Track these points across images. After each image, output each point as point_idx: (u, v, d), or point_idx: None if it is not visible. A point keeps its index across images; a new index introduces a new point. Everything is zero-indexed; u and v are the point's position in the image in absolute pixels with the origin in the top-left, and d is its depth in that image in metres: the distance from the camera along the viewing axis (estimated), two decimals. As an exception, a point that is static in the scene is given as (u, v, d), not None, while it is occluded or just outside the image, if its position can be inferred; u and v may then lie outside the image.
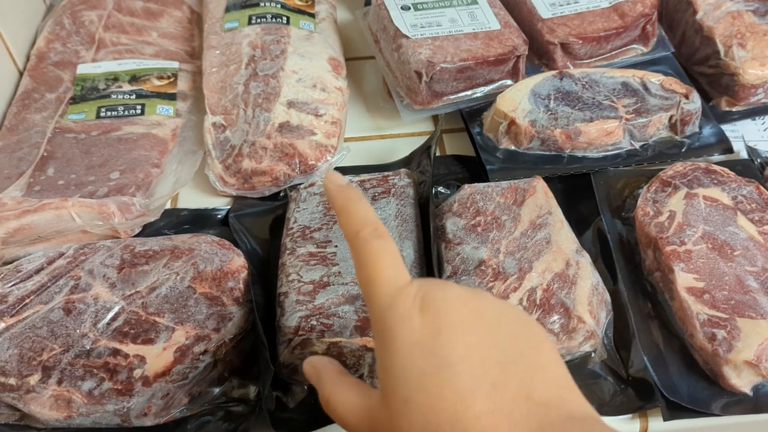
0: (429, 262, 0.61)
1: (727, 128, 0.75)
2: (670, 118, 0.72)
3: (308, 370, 0.46)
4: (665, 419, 0.53)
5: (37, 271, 0.57)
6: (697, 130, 0.73)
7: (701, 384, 0.55)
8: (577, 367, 0.57)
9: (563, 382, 0.37)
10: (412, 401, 0.36)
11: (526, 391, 0.35)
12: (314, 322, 0.55)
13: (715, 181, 0.64)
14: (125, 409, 0.52)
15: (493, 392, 0.35)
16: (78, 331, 0.53)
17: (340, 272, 0.58)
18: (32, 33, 0.86)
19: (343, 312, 0.56)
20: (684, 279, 0.57)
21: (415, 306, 0.38)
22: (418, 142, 0.75)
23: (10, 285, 0.56)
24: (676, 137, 0.73)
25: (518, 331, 0.38)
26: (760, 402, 0.54)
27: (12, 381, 0.51)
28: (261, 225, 0.68)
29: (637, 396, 0.55)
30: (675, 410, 0.53)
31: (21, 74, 0.81)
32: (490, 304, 0.39)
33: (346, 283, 0.57)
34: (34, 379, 0.52)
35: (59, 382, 0.52)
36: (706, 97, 0.79)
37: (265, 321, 0.57)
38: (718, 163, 0.68)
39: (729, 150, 0.72)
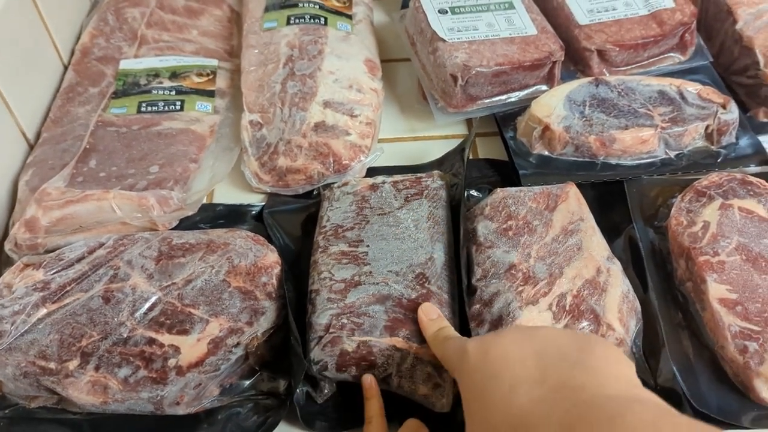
0: (459, 264, 0.61)
1: (764, 139, 0.74)
2: (707, 127, 0.71)
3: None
4: (693, 430, 0.53)
5: (79, 260, 0.59)
6: (733, 140, 0.72)
7: (731, 396, 0.55)
8: (605, 375, 0.57)
9: (610, 376, 0.40)
10: (473, 412, 0.44)
11: (564, 380, 0.40)
12: (345, 321, 0.56)
13: (752, 193, 0.64)
14: (159, 397, 0.53)
15: (532, 387, 0.40)
16: (116, 319, 0.55)
17: (371, 272, 0.59)
18: (77, 28, 0.88)
19: (373, 311, 0.56)
20: (716, 290, 0.57)
21: (471, 344, 0.46)
22: (451, 145, 0.76)
23: (52, 272, 0.58)
24: (712, 147, 0.72)
25: (568, 343, 0.43)
26: (791, 417, 0.53)
27: (52, 365, 0.53)
28: (294, 222, 0.69)
29: (665, 405, 0.55)
30: (703, 421, 0.53)
31: (66, 68, 0.83)
32: (542, 329, 0.46)
33: (377, 283, 0.58)
34: (72, 365, 0.53)
35: (97, 368, 0.53)
36: (743, 108, 0.78)
37: (295, 317, 0.58)
38: (754, 175, 0.67)
39: (766, 161, 0.71)
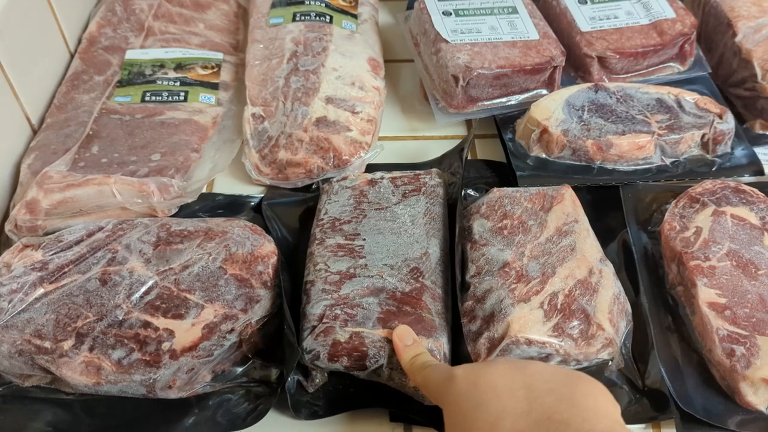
0: (453, 261, 0.62)
1: (759, 151, 0.75)
2: (703, 136, 0.72)
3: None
4: (678, 431, 0.53)
5: (77, 243, 0.60)
6: (728, 150, 0.73)
7: (717, 399, 0.55)
8: (593, 374, 0.56)
9: (595, 412, 0.41)
10: None
11: (549, 414, 0.41)
12: (338, 311, 0.56)
13: (744, 201, 0.65)
14: (151, 380, 0.54)
15: (518, 418, 0.42)
16: (112, 301, 0.56)
17: (366, 265, 0.60)
18: (84, 17, 0.89)
19: (367, 303, 0.57)
20: (706, 294, 0.57)
21: (461, 371, 0.47)
22: (450, 145, 0.76)
23: (51, 253, 0.59)
24: (708, 156, 0.73)
25: (557, 378, 0.44)
26: (775, 421, 0.54)
27: (47, 344, 0.54)
28: (292, 214, 0.70)
29: (652, 407, 0.55)
30: (689, 423, 0.54)
31: (72, 56, 0.84)
32: (533, 363, 0.47)
33: (372, 276, 0.59)
34: (67, 344, 0.54)
35: (91, 349, 0.54)
36: (740, 120, 0.79)
37: (290, 307, 0.59)
38: (748, 184, 0.68)
39: (760, 172, 0.72)
